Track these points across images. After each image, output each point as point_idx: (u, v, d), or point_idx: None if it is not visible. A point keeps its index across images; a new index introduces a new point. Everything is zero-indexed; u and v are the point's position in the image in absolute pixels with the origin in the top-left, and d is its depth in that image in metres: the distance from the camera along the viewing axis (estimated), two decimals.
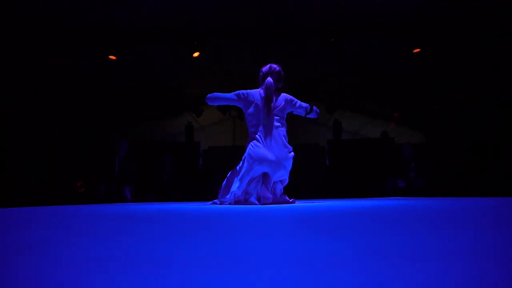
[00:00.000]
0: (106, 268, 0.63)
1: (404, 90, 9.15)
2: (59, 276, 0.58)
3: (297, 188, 4.46)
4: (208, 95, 3.71)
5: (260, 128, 3.58)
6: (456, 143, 7.82)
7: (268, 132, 3.56)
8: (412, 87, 9.01)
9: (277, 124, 3.61)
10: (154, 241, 0.96)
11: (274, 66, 3.72)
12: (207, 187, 6.35)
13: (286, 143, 3.62)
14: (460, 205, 2.53)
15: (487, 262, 0.62)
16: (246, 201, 3.44)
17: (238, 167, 3.62)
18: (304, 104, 3.76)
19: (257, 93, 3.67)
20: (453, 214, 1.73)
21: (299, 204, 3.43)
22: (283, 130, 3.65)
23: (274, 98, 3.65)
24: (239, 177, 3.49)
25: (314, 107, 3.79)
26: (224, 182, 3.67)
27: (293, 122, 3.92)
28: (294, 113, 3.82)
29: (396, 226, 1.27)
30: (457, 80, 8.13)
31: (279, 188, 3.65)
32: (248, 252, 0.75)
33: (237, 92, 3.70)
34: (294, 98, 3.76)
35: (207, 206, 3.34)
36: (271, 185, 3.55)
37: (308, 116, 3.79)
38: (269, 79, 3.60)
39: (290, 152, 3.60)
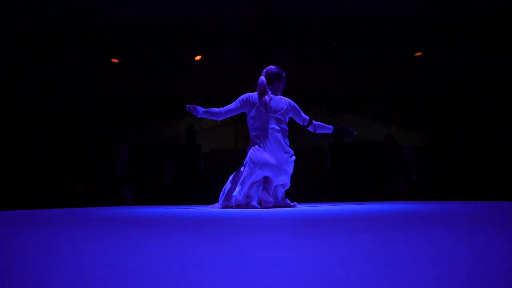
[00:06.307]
0: (106, 274, 0.63)
1: (405, 92, 9.15)
2: (60, 280, 0.58)
3: (299, 191, 4.44)
4: (211, 110, 3.67)
5: (262, 132, 3.58)
6: (458, 146, 7.80)
7: (269, 136, 3.56)
8: (413, 90, 9.00)
9: (278, 128, 3.61)
10: (153, 245, 0.96)
11: (271, 67, 3.81)
12: (208, 190, 6.34)
13: (287, 147, 3.62)
14: (462, 209, 2.51)
15: (487, 265, 0.62)
16: (247, 205, 3.44)
17: (239, 171, 3.61)
18: (306, 117, 3.80)
19: (257, 95, 3.70)
20: (455, 218, 1.72)
21: (301, 207, 3.42)
22: (284, 134, 3.65)
23: (275, 102, 3.66)
24: (240, 181, 3.49)
25: (316, 123, 3.83)
26: (225, 186, 3.67)
27: (293, 125, 3.92)
28: (295, 119, 3.85)
29: (397, 230, 1.26)
30: (459, 82, 8.13)
31: (281, 191, 3.64)
32: (250, 256, 0.75)
33: (239, 98, 3.72)
34: (299, 109, 3.79)
35: (207, 209, 3.34)
36: (273, 189, 3.55)
37: (308, 129, 3.83)
38: (261, 77, 3.72)
39: (291, 156, 3.61)
